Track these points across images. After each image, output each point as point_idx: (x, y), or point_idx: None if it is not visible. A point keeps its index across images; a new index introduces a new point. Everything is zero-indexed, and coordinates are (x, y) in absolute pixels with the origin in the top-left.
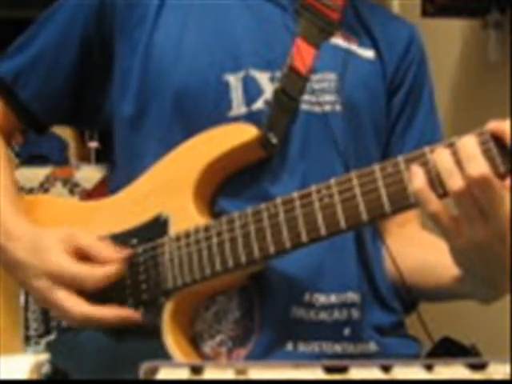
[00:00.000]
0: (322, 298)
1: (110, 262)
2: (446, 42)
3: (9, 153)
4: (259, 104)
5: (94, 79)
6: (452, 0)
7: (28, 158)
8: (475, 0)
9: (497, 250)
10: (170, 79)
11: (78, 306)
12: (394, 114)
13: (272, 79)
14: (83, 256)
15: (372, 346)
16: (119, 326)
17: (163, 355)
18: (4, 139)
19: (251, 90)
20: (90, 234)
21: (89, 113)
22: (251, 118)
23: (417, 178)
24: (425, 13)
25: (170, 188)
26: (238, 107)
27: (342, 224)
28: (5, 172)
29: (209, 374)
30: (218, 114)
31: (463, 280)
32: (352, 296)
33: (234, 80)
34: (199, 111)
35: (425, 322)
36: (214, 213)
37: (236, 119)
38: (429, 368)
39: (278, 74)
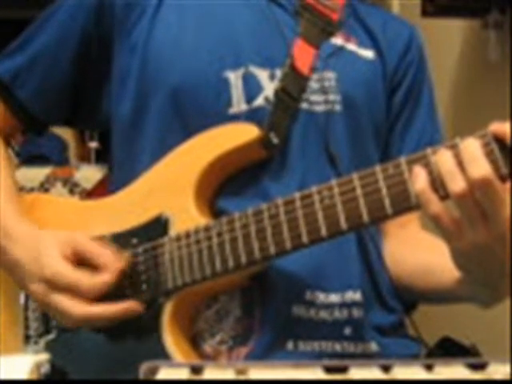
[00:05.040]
0: (322, 297)
1: (107, 270)
2: (446, 42)
3: (9, 153)
4: (259, 101)
5: (92, 79)
6: (452, 0)
7: (28, 158)
8: (475, 0)
9: (497, 253)
10: (169, 77)
11: (75, 307)
12: (394, 113)
13: (272, 77)
14: (82, 260)
15: (373, 346)
16: (120, 323)
17: (163, 355)
18: (3, 139)
19: (251, 87)
20: (90, 238)
21: (87, 112)
22: (252, 115)
23: (419, 179)
24: (425, 13)
25: (170, 188)
26: (239, 104)
27: (343, 225)
28: (5, 173)
29: (209, 373)
30: (217, 111)
31: (463, 282)
32: (353, 295)
33: (233, 77)
34: (198, 108)
35: (415, 324)
36: (215, 213)
37: (236, 116)
38: (429, 368)
39: (278, 72)
